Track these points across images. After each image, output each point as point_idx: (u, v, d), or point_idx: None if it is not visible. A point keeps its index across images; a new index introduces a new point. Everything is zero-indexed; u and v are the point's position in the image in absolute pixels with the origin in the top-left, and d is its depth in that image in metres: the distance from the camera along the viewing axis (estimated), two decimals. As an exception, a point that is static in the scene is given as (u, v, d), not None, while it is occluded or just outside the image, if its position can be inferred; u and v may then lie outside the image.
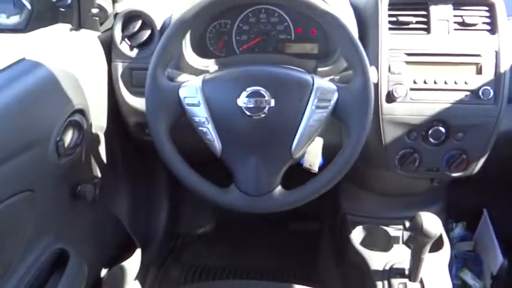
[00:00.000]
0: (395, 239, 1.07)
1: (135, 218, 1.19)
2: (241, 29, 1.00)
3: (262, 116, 0.73)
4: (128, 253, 1.07)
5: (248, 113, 0.73)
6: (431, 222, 0.87)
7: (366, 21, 0.92)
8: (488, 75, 0.87)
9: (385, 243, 1.08)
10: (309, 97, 0.73)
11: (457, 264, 1.28)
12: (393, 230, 1.08)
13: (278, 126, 0.74)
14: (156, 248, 1.30)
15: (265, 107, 0.73)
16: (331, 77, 0.82)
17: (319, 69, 0.88)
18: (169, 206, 1.36)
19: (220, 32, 1.00)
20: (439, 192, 1.16)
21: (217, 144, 0.75)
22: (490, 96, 0.86)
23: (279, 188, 0.76)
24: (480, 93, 0.87)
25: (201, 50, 0.97)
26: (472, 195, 1.41)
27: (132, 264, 1.09)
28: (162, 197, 1.35)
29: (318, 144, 0.88)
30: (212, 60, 0.90)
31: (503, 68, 0.86)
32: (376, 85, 0.87)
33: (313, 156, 0.87)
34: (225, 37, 1.00)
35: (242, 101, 0.73)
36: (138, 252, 1.10)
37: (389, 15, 0.89)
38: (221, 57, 0.98)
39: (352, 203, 1.17)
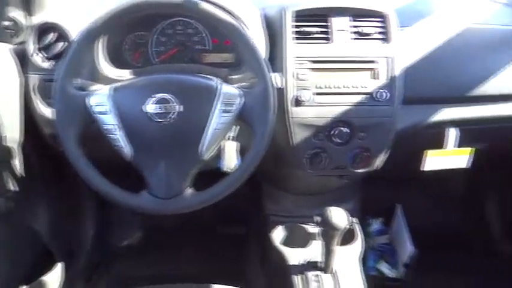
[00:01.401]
0: (313, 236, 1.13)
1: (58, 231, 1.17)
2: (158, 40, 1.03)
3: (170, 121, 0.77)
4: (47, 267, 1.06)
5: (156, 119, 0.76)
6: (338, 216, 0.94)
7: (274, 32, 0.98)
8: (383, 79, 0.96)
9: (304, 240, 1.14)
10: (215, 102, 0.78)
11: (374, 257, 1.38)
12: (311, 227, 1.15)
13: (186, 131, 0.78)
14: (82, 261, 1.28)
15: (172, 113, 0.76)
16: (243, 83, 0.87)
17: (231, 76, 0.93)
18: (95, 217, 1.34)
19: (138, 43, 1.03)
20: (352, 190, 1.25)
21: (127, 150, 0.78)
22: (385, 98, 0.95)
23: (189, 190, 0.80)
24: (377, 95, 0.95)
25: (118, 61, 0.99)
26: (388, 192, 1.53)
27: (53, 278, 1.07)
28: (88, 209, 1.33)
29: (233, 148, 0.93)
30: (128, 71, 0.93)
31: (396, 73, 0.96)
32: (283, 90, 0.93)
33: (230, 160, 0.91)
34: (143, 48, 1.03)
35: (149, 107, 0.76)
36: (59, 266, 1.09)
37: (295, 26, 0.96)
38: (138, 67, 1.01)
39: (273, 204, 1.23)
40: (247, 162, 0.80)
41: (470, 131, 1.07)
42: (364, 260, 1.37)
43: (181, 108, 0.76)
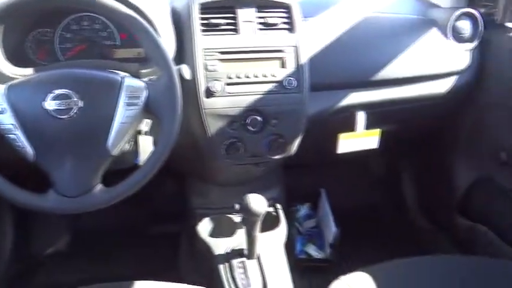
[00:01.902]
0: (239, 225, 1.15)
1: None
2: (63, 36, 1.00)
3: (72, 117, 0.75)
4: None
5: (57, 116, 0.74)
6: (257, 202, 0.97)
7: (182, 24, 0.99)
8: (290, 68, 0.99)
9: (230, 230, 1.16)
10: (118, 95, 0.77)
11: (302, 241, 1.43)
12: (236, 217, 1.17)
13: (90, 126, 0.76)
14: (2, 272, 1.22)
15: (73, 109, 0.75)
16: (152, 77, 0.87)
17: (142, 71, 0.92)
18: (15, 227, 1.28)
19: (42, 41, 0.99)
20: (275, 178, 1.28)
21: (29, 150, 0.75)
22: (294, 86, 0.99)
23: (98, 187, 0.79)
24: (286, 83, 0.99)
25: (20, 59, 0.94)
26: (313, 178, 1.59)
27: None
28: (6, 218, 1.27)
29: (148, 142, 0.92)
30: (31, 69, 0.89)
31: (303, 61, 1.00)
32: (194, 82, 0.95)
33: (145, 154, 0.91)
34: (48, 45, 1.00)
35: (48, 104, 0.74)
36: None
37: (202, 19, 0.98)
38: (43, 65, 0.98)
39: (200, 197, 1.24)
40: (156, 155, 0.80)
41: (377, 114, 1.14)
42: (293, 245, 1.43)
43: (82, 104, 0.75)
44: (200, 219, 1.19)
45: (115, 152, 0.79)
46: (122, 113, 0.78)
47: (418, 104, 1.16)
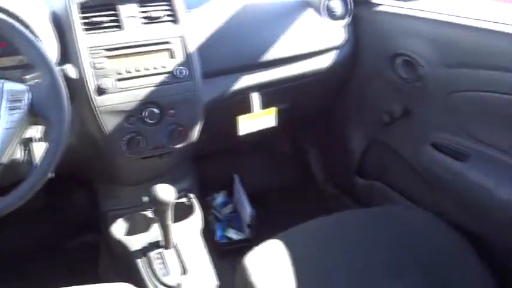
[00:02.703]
0: (153, 219, 1.16)
1: None
2: None
3: None
4: None
5: None
6: (165, 192, 0.99)
7: (64, 25, 0.98)
8: (179, 57, 1.03)
9: (145, 226, 1.17)
10: None
11: (222, 226, 1.48)
12: (150, 212, 1.18)
13: None
14: None
15: None
16: (36, 80, 0.86)
17: (26, 77, 0.90)
18: None
19: None
20: (186, 169, 1.31)
21: None
22: (185, 75, 1.02)
23: None
24: (177, 73, 1.02)
25: None
26: (226, 166, 1.64)
27: None
28: None
29: (42, 148, 0.90)
30: None
31: (191, 50, 1.03)
32: (83, 81, 0.94)
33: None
34: None
35: None
36: None
37: (83, 18, 0.97)
38: None
39: (110, 200, 1.23)
40: (48, 158, 0.78)
41: (270, 93, 1.21)
42: (213, 232, 1.47)
43: None
44: (112, 221, 1.18)
45: (3, 159, 0.77)
46: (4, 118, 0.75)
47: (306, 80, 1.25)
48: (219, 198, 1.56)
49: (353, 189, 1.46)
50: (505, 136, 0.98)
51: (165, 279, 1.02)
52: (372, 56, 1.29)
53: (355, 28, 1.29)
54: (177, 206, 1.20)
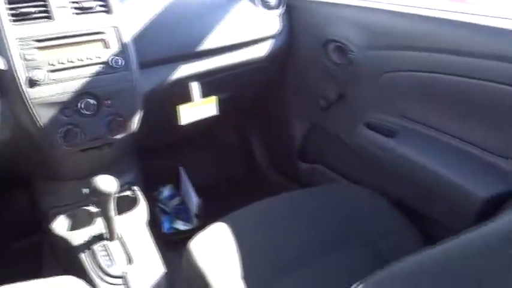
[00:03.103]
0: (97, 213, 1.15)
1: None
2: None
3: None
4: None
5: None
6: (105, 182, 0.99)
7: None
8: (114, 47, 1.02)
9: (89, 221, 1.15)
10: None
11: (170, 219, 1.48)
12: (93, 207, 1.16)
13: None
14: None
15: None
16: None
17: None
18: None
19: None
20: (129, 162, 1.30)
21: None
22: (121, 65, 1.02)
23: None
24: (112, 63, 1.01)
25: None
26: (172, 159, 1.64)
27: None
28: None
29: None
30: None
31: (125, 40, 1.03)
32: (12, 73, 0.92)
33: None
34: None
35: None
36: None
37: (10, 9, 0.94)
38: None
39: (50, 196, 1.19)
40: None
41: (210, 82, 1.23)
42: (160, 224, 1.47)
43: None
44: (54, 219, 1.15)
45: None
46: None
47: (244, 69, 1.28)
48: (166, 191, 1.56)
49: (297, 174, 1.51)
50: (432, 112, 1.06)
51: (110, 270, 1.01)
52: (306, 43, 1.34)
53: (290, 17, 1.34)
54: (121, 199, 1.20)
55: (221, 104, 1.27)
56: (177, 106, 1.19)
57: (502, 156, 0.92)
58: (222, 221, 1.01)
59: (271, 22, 1.30)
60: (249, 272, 0.89)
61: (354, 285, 0.44)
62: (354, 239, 0.97)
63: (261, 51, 1.29)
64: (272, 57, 1.32)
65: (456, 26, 0.98)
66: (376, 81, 1.14)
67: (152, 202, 1.46)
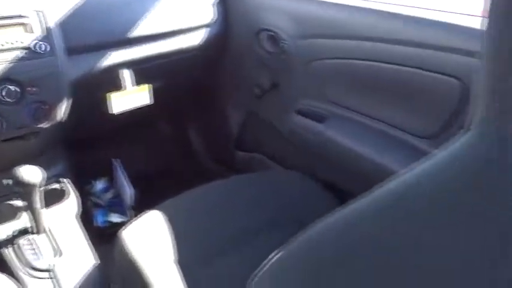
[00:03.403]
0: (22, 207, 1.09)
1: None
2: None
3: None
4: None
5: None
6: (29, 172, 0.94)
7: None
8: (38, 32, 0.97)
9: (13, 215, 1.09)
10: None
11: (104, 212, 1.44)
12: (18, 201, 1.11)
13: None
14: None
15: None
16: None
17: None
18: None
19: None
20: (58, 154, 1.25)
21: None
22: (46, 50, 0.97)
23: None
24: (36, 48, 0.96)
25: None
26: (107, 152, 1.59)
27: None
28: None
29: None
30: None
31: (50, 25, 0.98)
32: None
33: None
34: None
35: None
36: None
37: None
38: None
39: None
40: None
41: (143, 70, 1.20)
42: (92, 218, 1.43)
43: None
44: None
45: None
46: None
47: (178, 58, 1.27)
48: (100, 184, 1.51)
49: (234, 163, 1.52)
50: (357, 97, 1.11)
51: (37, 264, 0.97)
52: (240, 32, 1.35)
53: (224, 6, 1.34)
54: (49, 192, 1.15)
55: (156, 93, 1.25)
56: (107, 94, 1.16)
57: (420, 137, 0.99)
58: (156, 209, 1.00)
59: (206, 11, 1.29)
60: (183, 257, 0.89)
61: (275, 252, 0.46)
62: (287, 223, 1.00)
63: (195, 39, 1.28)
64: (207, 46, 1.32)
65: (380, 16, 1.04)
66: (306, 69, 1.18)
67: (85, 196, 1.41)
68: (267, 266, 0.48)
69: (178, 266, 0.88)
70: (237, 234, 0.96)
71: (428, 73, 0.93)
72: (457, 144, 0.37)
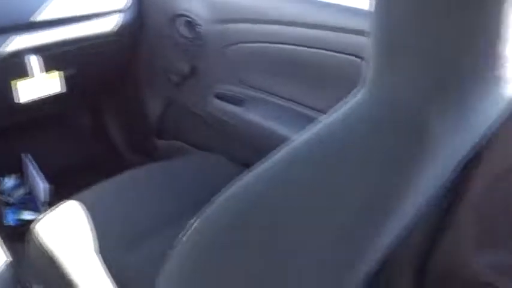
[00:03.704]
0: None
1: None
2: None
3: None
4: None
5: None
6: None
7: None
8: None
9: None
10: None
11: (15, 210, 1.35)
12: None
13: None
14: None
15: None
16: None
17: None
18: None
19: None
20: None
21: None
22: None
23: None
24: None
25: None
26: (17, 147, 1.49)
27: None
28: None
29: None
30: None
31: None
32: None
33: None
34: None
35: None
36: None
37: None
38: None
39: None
40: None
41: (52, 57, 1.14)
42: (2, 216, 1.33)
43: None
44: None
45: None
46: None
47: (91, 43, 1.22)
48: (9, 181, 1.41)
49: (155, 152, 1.50)
50: (272, 80, 1.15)
51: None
52: (156, 18, 1.33)
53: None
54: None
55: (68, 81, 1.19)
56: (13, 82, 1.09)
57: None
58: (70, 200, 0.96)
59: (118, -4, 1.26)
60: (105, 246, 0.87)
61: (192, 221, 0.47)
62: (209, 201, 1.01)
63: (107, 25, 1.24)
64: (121, 32, 1.28)
65: (289, 0, 1.08)
66: (223, 54, 1.20)
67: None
68: (179, 244, 0.49)
69: (101, 255, 0.85)
70: (160, 218, 0.95)
71: (333, 53, 0.99)
72: (347, 105, 0.40)
